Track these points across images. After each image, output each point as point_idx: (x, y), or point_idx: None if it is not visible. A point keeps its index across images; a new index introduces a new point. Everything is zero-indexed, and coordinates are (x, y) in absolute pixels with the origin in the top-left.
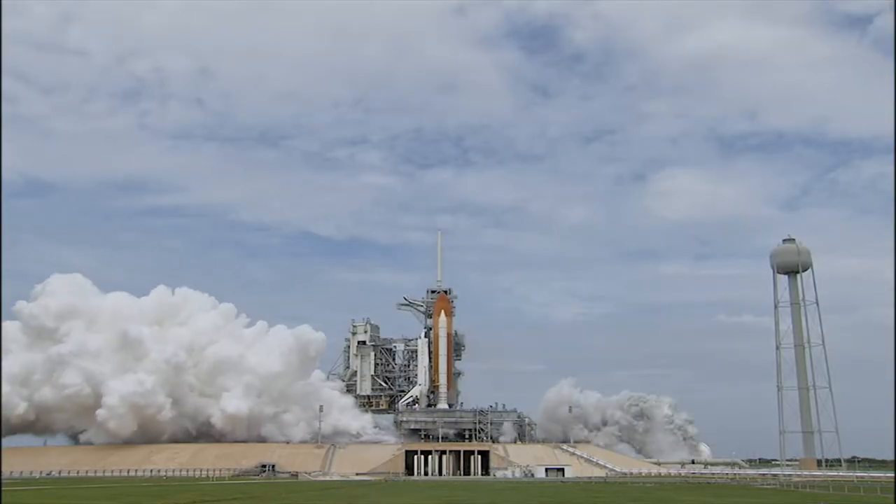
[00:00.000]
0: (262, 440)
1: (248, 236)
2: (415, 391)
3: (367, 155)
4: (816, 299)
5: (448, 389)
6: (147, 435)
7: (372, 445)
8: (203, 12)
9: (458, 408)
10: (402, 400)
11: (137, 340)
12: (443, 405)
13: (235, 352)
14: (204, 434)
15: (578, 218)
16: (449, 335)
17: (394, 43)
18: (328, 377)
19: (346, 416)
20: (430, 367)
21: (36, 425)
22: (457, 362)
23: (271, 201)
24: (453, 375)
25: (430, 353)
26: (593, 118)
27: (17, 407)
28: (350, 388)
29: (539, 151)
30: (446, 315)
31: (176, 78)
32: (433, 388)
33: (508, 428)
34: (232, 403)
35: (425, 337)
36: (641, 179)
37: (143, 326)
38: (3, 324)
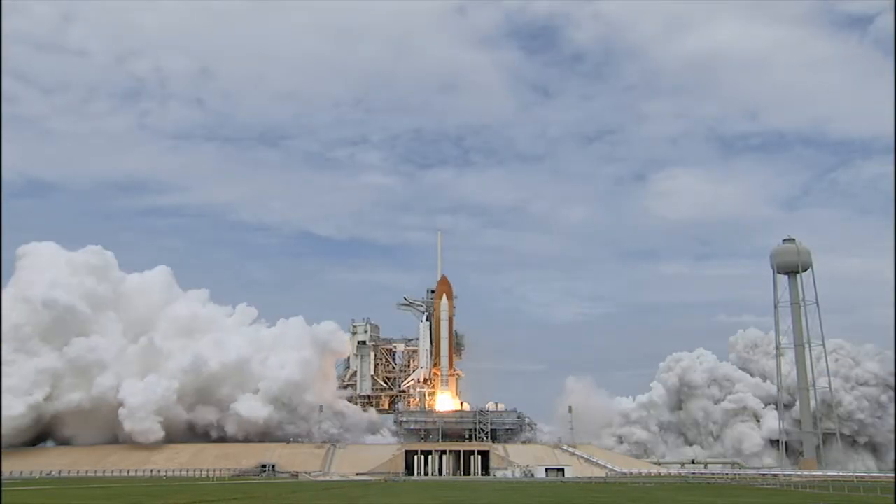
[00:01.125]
0: (263, 440)
1: (248, 236)
2: (416, 374)
3: (368, 155)
4: (816, 299)
5: (450, 369)
6: (167, 438)
7: (372, 445)
8: (203, 12)
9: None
10: (405, 382)
11: (160, 350)
12: (444, 388)
13: (257, 357)
14: (220, 437)
15: (579, 218)
16: (450, 318)
17: (394, 43)
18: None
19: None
20: (432, 350)
21: (63, 431)
22: (457, 362)
23: (271, 201)
24: (454, 363)
25: (431, 337)
26: (594, 118)
27: (45, 413)
28: (350, 388)
29: (539, 151)
30: (448, 298)
31: (176, 78)
32: (434, 374)
33: (517, 428)
34: (248, 406)
35: (427, 321)
36: (642, 179)
37: (169, 331)
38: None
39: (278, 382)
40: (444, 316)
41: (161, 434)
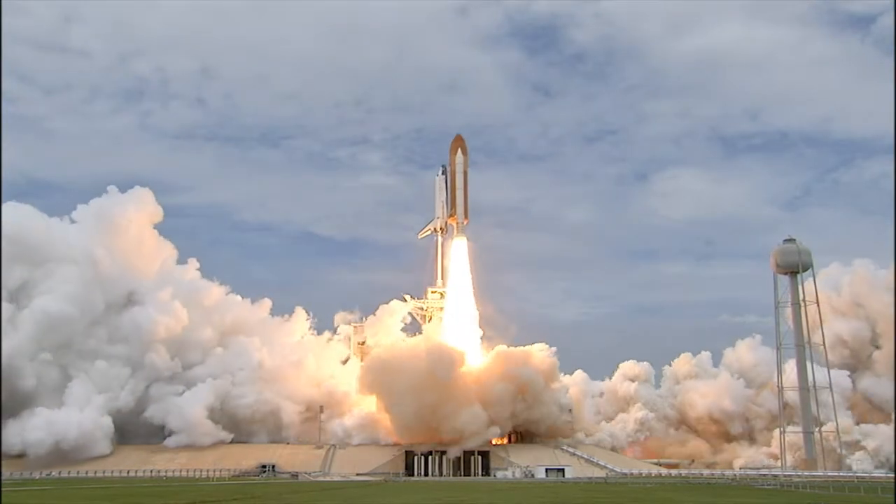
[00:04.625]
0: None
1: (249, 236)
2: (432, 224)
3: (369, 155)
4: (817, 299)
5: (465, 221)
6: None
7: (372, 446)
8: (205, 13)
9: None
10: (420, 233)
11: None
12: (459, 237)
13: (307, 366)
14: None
15: (580, 218)
16: (465, 171)
17: (395, 43)
18: None
19: None
20: (448, 199)
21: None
22: None
23: (273, 201)
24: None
25: (447, 187)
26: (595, 118)
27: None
28: None
29: (541, 151)
30: (463, 153)
31: (178, 78)
32: (449, 223)
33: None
34: (288, 412)
35: (442, 174)
36: (643, 179)
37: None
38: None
39: (321, 391)
40: (459, 168)
41: (229, 437)
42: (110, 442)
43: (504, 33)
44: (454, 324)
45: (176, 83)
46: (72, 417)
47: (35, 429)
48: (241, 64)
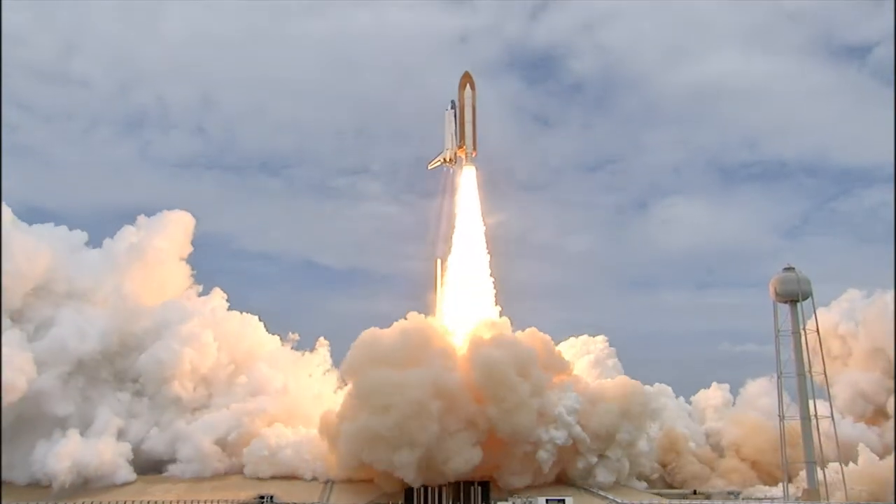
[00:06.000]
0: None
1: (249, 265)
2: (442, 156)
3: (369, 184)
4: (817, 328)
5: (474, 154)
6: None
7: (371, 478)
8: (205, 42)
9: None
10: (430, 164)
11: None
12: (468, 165)
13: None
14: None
15: (580, 247)
16: (473, 106)
17: (395, 72)
18: None
19: None
20: (457, 132)
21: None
22: None
23: (273, 230)
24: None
25: (455, 121)
26: (594, 148)
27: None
28: None
29: (540, 181)
30: (472, 89)
31: (178, 107)
32: (458, 155)
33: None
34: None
35: (451, 109)
36: (643, 208)
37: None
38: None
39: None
40: (468, 102)
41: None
42: (132, 470)
43: (503, 63)
44: (463, 256)
45: (176, 112)
46: (94, 446)
47: (60, 457)
48: (241, 93)
